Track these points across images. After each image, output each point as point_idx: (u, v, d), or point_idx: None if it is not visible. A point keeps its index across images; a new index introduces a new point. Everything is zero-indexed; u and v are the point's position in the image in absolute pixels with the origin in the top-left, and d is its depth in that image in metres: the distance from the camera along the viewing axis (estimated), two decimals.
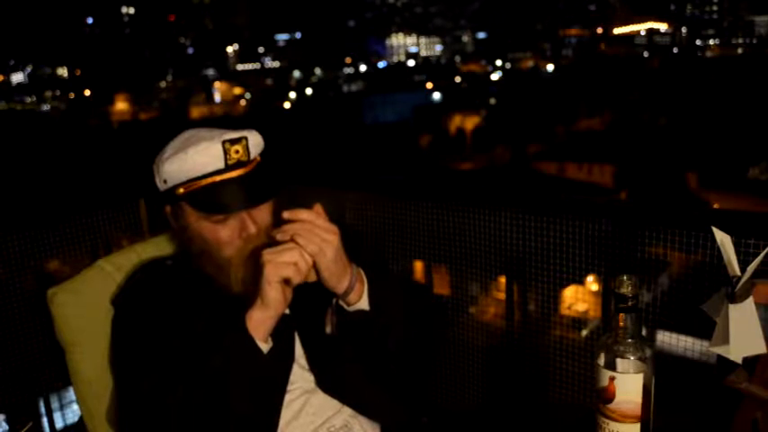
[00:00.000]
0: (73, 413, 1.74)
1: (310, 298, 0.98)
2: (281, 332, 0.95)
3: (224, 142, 0.88)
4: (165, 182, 0.91)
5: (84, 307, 1.05)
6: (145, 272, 1.02)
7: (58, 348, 1.07)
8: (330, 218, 0.87)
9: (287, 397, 0.93)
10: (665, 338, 1.33)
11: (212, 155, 0.88)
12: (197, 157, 0.88)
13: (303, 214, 0.83)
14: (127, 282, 1.03)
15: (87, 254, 1.62)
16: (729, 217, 1.27)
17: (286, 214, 0.84)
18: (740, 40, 47.32)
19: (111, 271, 1.09)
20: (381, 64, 52.09)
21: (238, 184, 0.90)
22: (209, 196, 0.89)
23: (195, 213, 0.91)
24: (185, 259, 0.99)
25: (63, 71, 46.79)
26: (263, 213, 0.93)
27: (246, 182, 0.90)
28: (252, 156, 0.92)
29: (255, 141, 0.93)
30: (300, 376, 0.95)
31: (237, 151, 0.89)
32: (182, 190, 0.90)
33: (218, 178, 0.89)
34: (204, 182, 0.88)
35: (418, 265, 1.70)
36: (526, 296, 1.51)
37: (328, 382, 0.95)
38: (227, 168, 0.89)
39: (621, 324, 0.74)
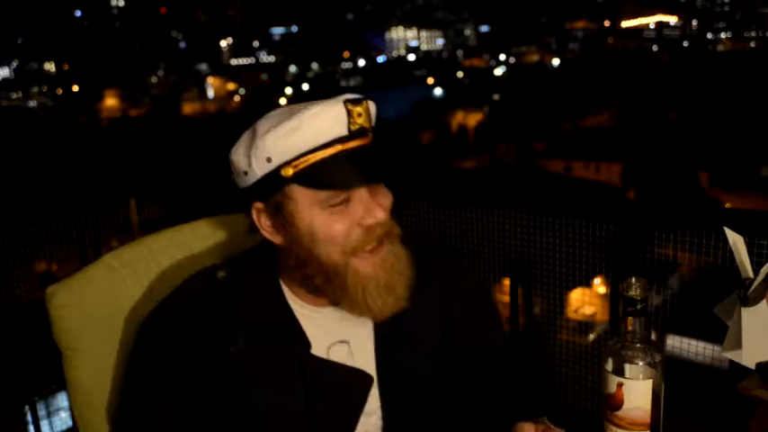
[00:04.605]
0: (61, 421, 1.69)
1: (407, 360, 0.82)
2: (357, 386, 0.80)
3: (345, 102, 0.72)
4: (268, 160, 0.71)
5: (87, 308, 0.94)
6: (187, 294, 0.80)
7: (49, 353, 1.00)
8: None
9: None
10: (676, 343, 1.33)
11: (333, 117, 0.71)
12: (315, 122, 0.70)
13: None
14: (163, 303, 0.81)
15: (75, 256, 1.57)
16: (742, 217, 1.24)
17: None
18: (753, 34, 46.83)
19: (119, 267, 0.94)
20: (380, 58, 51.71)
21: (360, 157, 0.72)
22: (329, 171, 0.70)
23: (308, 198, 0.72)
24: (249, 270, 0.80)
25: (50, 66, 45.32)
26: (387, 200, 0.75)
27: (369, 156, 0.73)
28: (373, 123, 0.76)
29: (374, 109, 0.76)
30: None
31: (360, 114, 0.72)
32: (290, 170, 0.71)
33: (339, 147, 0.71)
34: (322, 154, 0.70)
35: None
36: (531, 299, 1.50)
37: None
38: (351, 136, 0.71)
39: (630, 328, 0.72)
